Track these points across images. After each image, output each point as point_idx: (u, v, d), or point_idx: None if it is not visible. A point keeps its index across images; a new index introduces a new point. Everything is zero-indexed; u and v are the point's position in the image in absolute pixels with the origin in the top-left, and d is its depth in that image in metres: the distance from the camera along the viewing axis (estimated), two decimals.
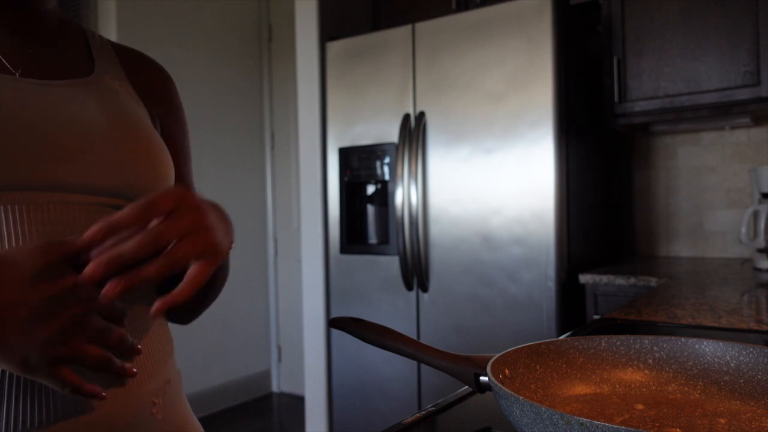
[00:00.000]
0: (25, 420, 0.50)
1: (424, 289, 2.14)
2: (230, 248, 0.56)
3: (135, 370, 0.52)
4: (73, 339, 0.46)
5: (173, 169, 0.67)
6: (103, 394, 0.50)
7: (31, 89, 0.56)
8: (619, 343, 0.58)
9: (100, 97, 0.62)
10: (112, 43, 0.72)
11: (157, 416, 0.60)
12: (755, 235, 1.91)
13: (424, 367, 2.16)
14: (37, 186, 0.52)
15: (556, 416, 0.39)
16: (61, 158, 0.54)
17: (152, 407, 0.58)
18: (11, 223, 0.51)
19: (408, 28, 2.18)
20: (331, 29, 2.56)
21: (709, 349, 0.56)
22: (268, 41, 3.73)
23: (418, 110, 2.15)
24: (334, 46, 2.36)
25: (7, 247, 0.51)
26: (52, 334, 0.45)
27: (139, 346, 0.53)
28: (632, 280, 1.79)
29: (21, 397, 0.50)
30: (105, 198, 0.57)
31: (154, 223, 0.48)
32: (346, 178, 2.35)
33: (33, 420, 0.51)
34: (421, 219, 2.13)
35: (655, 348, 0.58)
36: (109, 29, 2.93)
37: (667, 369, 0.56)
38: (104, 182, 0.57)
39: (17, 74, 0.57)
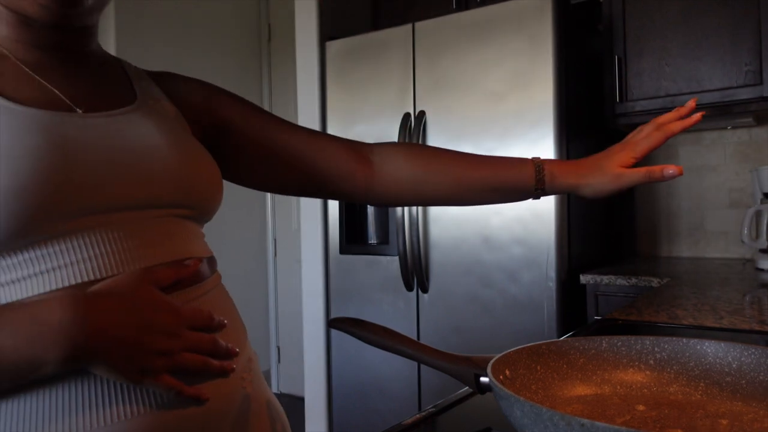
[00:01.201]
0: (132, 405, 0.55)
1: (424, 290, 2.13)
2: None
3: (234, 366, 0.61)
4: (173, 351, 0.55)
5: (218, 173, 0.72)
6: (207, 396, 0.58)
7: (97, 123, 0.61)
8: (620, 343, 0.58)
9: (150, 119, 0.67)
10: (147, 71, 0.78)
11: (248, 390, 0.66)
12: (757, 235, 1.91)
13: (424, 367, 2.15)
14: (113, 208, 0.58)
15: (557, 417, 0.38)
16: (131, 180, 0.60)
17: (243, 382, 0.65)
18: (95, 245, 0.57)
19: (408, 27, 2.17)
20: (330, 29, 2.56)
21: (711, 349, 0.56)
22: (268, 41, 3.73)
23: (418, 110, 2.15)
24: (333, 46, 2.36)
25: (94, 264, 0.56)
26: (155, 350, 0.54)
27: (237, 349, 0.63)
28: (633, 281, 1.78)
29: (122, 387, 0.55)
30: (169, 210, 0.64)
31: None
32: None
33: (141, 406, 0.55)
34: (421, 219, 2.13)
35: (656, 349, 0.57)
36: (108, 29, 2.93)
37: (669, 370, 0.56)
38: (168, 196, 0.63)
39: (81, 111, 0.61)
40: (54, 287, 0.54)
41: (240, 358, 0.66)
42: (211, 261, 0.70)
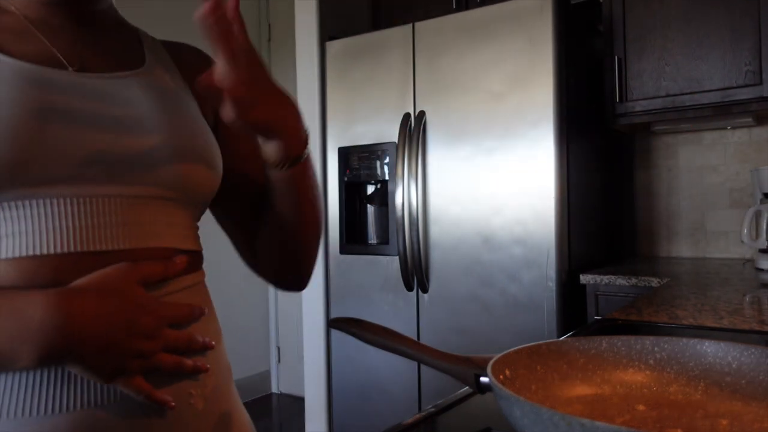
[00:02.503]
0: (62, 403, 0.53)
1: (424, 290, 2.13)
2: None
3: (208, 366, 0.61)
4: (150, 352, 0.54)
5: (219, 154, 0.69)
6: (173, 404, 0.57)
7: (84, 83, 0.58)
8: (620, 343, 0.58)
9: (151, 87, 0.64)
10: (162, 41, 0.75)
11: (196, 407, 0.61)
12: (757, 235, 1.91)
13: (424, 367, 2.15)
14: (84, 179, 0.55)
15: (557, 417, 0.38)
16: (105, 150, 0.56)
17: (189, 398, 0.60)
18: (58, 216, 0.54)
19: (408, 27, 2.17)
20: (330, 28, 2.55)
21: (711, 349, 0.55)
22: (268, 40, 3.73)
23: (418, 110, 2.15)
24: (333, 46, 2.36)
25: (55, 238, 0.54)
26: (133, 352, 0.53)
27: (213, 342, 0.62)
28: (633, 281, 1.78)
29: (60, 380, 0.53)
30: (148, 188, 0.60)
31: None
32: (345, 178, 2.34)
33: (74, 403, 0.53)
34: (421, 219, 2.13)
35: (656, 349, 0.57)
36: None
37: (669, 370, 0.56)
38: (147, 174, 0.59)
39: (72, 69, 0.59)
40: (8, 255, 0.52)
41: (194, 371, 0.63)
42: (195, 256, 0.66)
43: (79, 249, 0.54)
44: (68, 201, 0.54)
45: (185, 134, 0.63)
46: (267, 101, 0.61)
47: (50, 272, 0.53)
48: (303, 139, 0.66)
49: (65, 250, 0.54)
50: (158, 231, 0.60)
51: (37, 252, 0.53)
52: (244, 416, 0.72)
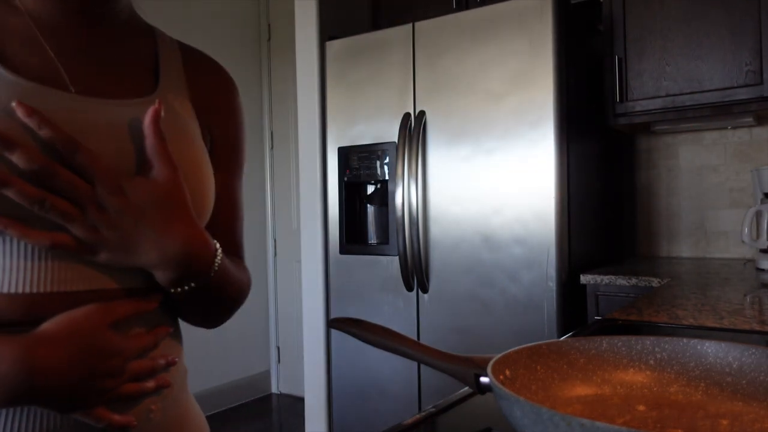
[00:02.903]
0: (22, 429, 0.53)
1: (424, 290, 2.13)
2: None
3: (170, 381, 0.61)
4: (111, 389, 0.54)
5: (213, 186, 0.66)
6: (135, 422, 0.57)
7: (83, 109, 0.56)
8: (620, 343, 0.58)
9: (161, 117, 0.61)
10: (181, 46, 0.71)
11: (155, 419, 0.61)
12: (757, 235, 1.91)
13: (424, 367, 2.15)
14: None
15: (557, 417, 0.38)
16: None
17: (149, 413, 0.60)
18: (40, 255, 0.53)
19: (408, 27, 2.17)
20: (330, 28, 2.55)
21: (711, 350, 0.55)
22: (268, 40, 3.73)
23: (418, 110, 2.15)
24: (333, 46, 2.36)
25: (31, 278, 0.53)
26: (95, 391, 0.53)
27: (176, 358, 0.62)
28: (633, 281, 1.78)
29: (13, 410, 0.53)
30: None
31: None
32: (345, 178, 2.34)
33: (33, 429, 0.53)
34: (421, 219, 2.13)
35: (656, 349, 0.57)
36: None
37: (669, 370, 0.56)
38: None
39: (73, 90, 0.56)
40: None
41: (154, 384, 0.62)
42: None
43: (50, 289, 0.53)
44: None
45: (186, 174, 0.60)
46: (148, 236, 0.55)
47: (22, 309, 0.53)
48: (204, 264, 0.59)
49: (38, 290, 0.53)
50: (134, 269, 0.58)
51: (11, 290, 0.52)
52: (198, 417, 0.71)
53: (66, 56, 0.58)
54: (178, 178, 0.56)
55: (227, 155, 0.73)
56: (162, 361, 0.60)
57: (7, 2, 0.57)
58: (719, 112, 1.97)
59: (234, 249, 0.75)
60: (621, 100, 2.11)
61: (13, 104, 0.49)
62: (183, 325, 0.69)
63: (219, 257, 0.61)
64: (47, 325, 0.52)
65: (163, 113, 0.59)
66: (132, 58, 0.64)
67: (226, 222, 0.74)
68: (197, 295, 0.61)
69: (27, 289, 0.53)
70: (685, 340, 0.57)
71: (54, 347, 0.51)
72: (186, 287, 0.59)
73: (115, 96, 0.59)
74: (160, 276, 0.57)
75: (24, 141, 0.50)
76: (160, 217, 0.54)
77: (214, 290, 0.63)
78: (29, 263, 0.53)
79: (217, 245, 0.62)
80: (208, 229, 0.67)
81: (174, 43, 0.71)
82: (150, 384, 0.58)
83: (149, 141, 0.55)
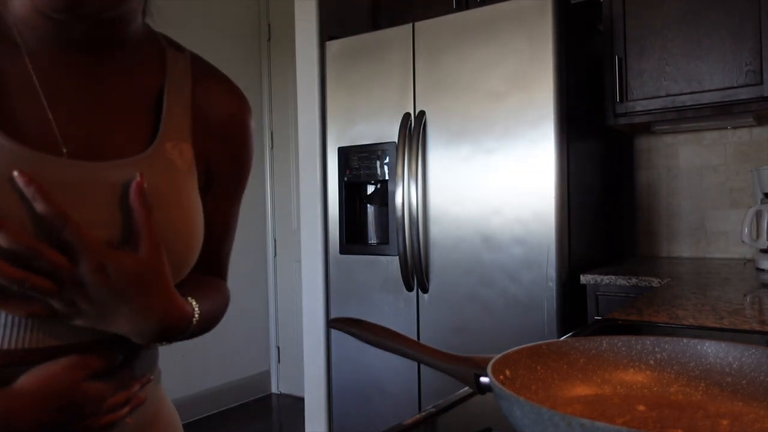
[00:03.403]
0: None
1: (424, 290, 2.13)
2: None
3: (146, 397, 0.62)
4: (90, 424, 0.55)
5: (201, 241, 0.65)
6: None
7: (76, 173, 0.54)
8: (620, 343, 0.58)
9: (151, 177, 0.58)
10: (194, 63, 0.69)
11: (127, 427, 0.62)
12: (757, 235, 1.91)
13: (424, 367, 2.15)
14: None
15: (557, 417, 0.38)
16: None
17: (124, 427, 0.61)
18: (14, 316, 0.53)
19: (408, 27, 2.17)
20: (330, 28, 2.55)
21: (711, 350, 0.55)
22: (268, 40, 3.73)
23: (418, 109, 2.14)
24: (333, 46, 2.36)
25: (6, 336, 0.53)
26: (76, 428, 0.54)
27: (151, 378, 0.63)
28: (633, 281, 1.78)
29: None
30: None
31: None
32: (345, 178, 2.34)
33: None
34: (421, 219, 2.13)
35: (656, 349, 0.57)
36: None
37: (669, 370, 0.56)
38: None
39: (65, 153, 0.54)
40: None
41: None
42: None
43: (27, 346, 0.53)
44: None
45: (171, 230, 0.59)
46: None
47: (12, 361, 0.53)
48: (179, 331, 0.60)
49: (14, 347, 0.53)
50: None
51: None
52: (170, 413, 0.71)
53: (61, 107, 0.56)
54: (160, 254, 0.56)
55: (230, 182, 0.73)
56: (137, 387, 0.60)
57: (7, 37, 0.55)
58: (719, 112, 1.97)
59: (217, 270, 0.77)
60: (621, 100, 2.11)
61: (15, 174, 0.49)
62: None
63: (196, 319, 0.62)
64: (24, 380, 0.52)
65: (155, 171, 0.58)
66: (134, 97, 0.61)
67: (216, 246, 0.75)
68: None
69: (9, 346, 0.53)
70: (685, 340, 0.57)
71: (30, 402, 0.52)
72: (155, 344, 0.62)
73: (108, 153, 0.57)
74: (136, 341, 0.58)
75: (12, 214, 0.49)
76: (137, 293, 0.54)
77: (188, 337, 0.64)
78: (4, 319, 0.52)
79: (196, 309, 0.62)
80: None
81: (186, 63, 0.67)
82: (125, 410, 0.58)
83: (135, 215, 0.54)
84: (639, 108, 2.08)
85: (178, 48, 0.70)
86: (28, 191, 0.49)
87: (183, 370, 3.17)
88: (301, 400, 3.45)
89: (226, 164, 0.70)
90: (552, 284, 1.87)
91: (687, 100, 2.00)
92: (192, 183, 0.64)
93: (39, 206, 0.49)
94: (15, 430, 0.51)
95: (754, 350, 0.53)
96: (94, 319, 0.53)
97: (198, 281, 0.68)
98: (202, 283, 0.70)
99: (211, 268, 0.75)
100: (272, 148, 3.74)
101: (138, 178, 0.55)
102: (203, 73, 0.70)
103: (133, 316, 0.55)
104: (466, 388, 0.65)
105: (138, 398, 0.60)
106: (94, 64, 0.59)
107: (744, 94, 1.90)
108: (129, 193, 0.54)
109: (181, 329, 0.60)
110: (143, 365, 0.63)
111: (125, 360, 0.60)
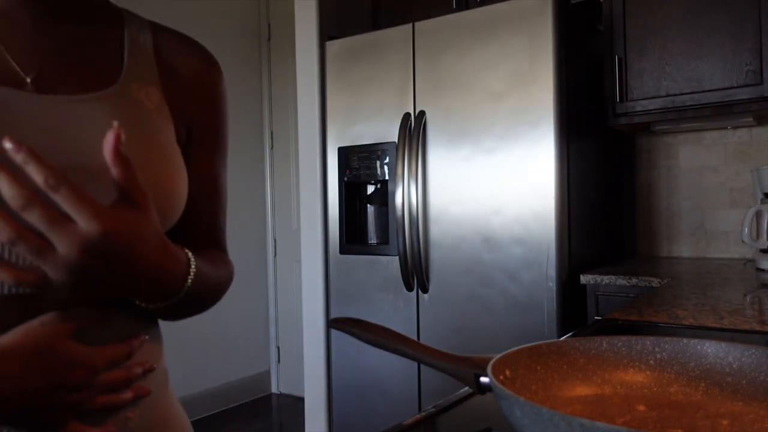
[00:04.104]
0: None
1: (424, 290, 2.13)
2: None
3: (149, 390, 0.59)
4: (83, 402, 0.52)
5: (185, 183, 0.63)
6: (113, 429, 0.55)
7: (41, 108, 0.53)
8: (620, 343, 0.58)
9: (119, 112, 0.58)
10: (154, 29, 0.67)
11: (133, 426, 0.59)
12: (757, 235, 1.91)
13: (424, 367, 2.15)
14: None
15: (557, 417, 0.38)
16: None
17: (128, 422, 0.58)
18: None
19: (408, 27, 2.17)
20: (330, 28, 2.55)
21: (712, 350, 0.55)
22: (268, 40, 3.73)
23: (418, 109, 2.14)
24: (333, 46, 2.36)
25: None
26: (64, 407, 0.51)
27: (155, 366, 0.60)
28: (634, 281, 1.78)
29: None
30: None
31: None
32: (345, 178, 2.34)
33: None
34: (421, 219, 2.13)
35: (656, 349, 0.57)
36: None
37: (669, 370, 0.56)
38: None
39: (29, 84, 0.54)
40: None
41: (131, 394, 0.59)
42: None
43: (4, 292, 0.51)
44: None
45: (150, 171, 0.57)
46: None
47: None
48: (173, 288, 0.57)
49: (8, 292, 0.51)
50: None
51: None
52: (180, 418, 0.68)
53: (18, 46, 0.55)
54: (149, 210, 0.51)
55: (209, 143, 0.71)
56: (139, 370, 0.57)
57: None
58: (719, 112, 1.97)
59: (215, 241, 0.73)
60: (621, 100, 2.11)
61: (8, 146, 0.43)
62: (182, 326, 0.69)
63: (192, 275, 0.58)
64: (5, 338, 0.50)
65: (122, 108, 0.57)
66: (94, 46, 0.61)
67: (208, 213, 0.72)
68: (170, 307, 0.59)
69: None
70: (685, 340, 0.57)
71: (6, 360, 0.49)
72: (157, 304, 0.57)
73: (75, 89, 0.56)
74: (128, 297, 0.56)
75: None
76: (137, 252, 0.50)
77: (190, 300, 0.60)
78: None
79: (192, 262, 0.59)
80: (188, 219, 0.65)
81: (146, 27, 0.67)
82: (127, 395, 0.55)
83: (116, 171, 0.48)
84: (639, 108, 2.08)
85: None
86: (19, 157, 0.43)
87: (183, 370, 3.17)
88: (301, 400, 3.45)
89: (204, 123, 0.70)
90: (552, 284, 1.87)
91: (687, 100, 2.00)
92: (165, 126, 0.63)
93: (32, 167, 0.43)
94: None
95: (754, 350, 0.53)
96: (85, 289, 0.49)
97: (197, 251, 0.64)
98: (201, 252, 0.66)
99: (209, 240, 0.72)
100: (272, 148, 3.74)
101: (115, 129, 0.47)
102: (166, 37, 0.69)
103: (127, 276, 0.50)
104: (466, 388, 0.65)
105: (142, 388, 0.57)
106: (49, 14, 0.58)
107: (744, 94, 1.90)
108: (104, 149, 0.47)
109: (175, 284, 0.56)
110: (145, 351, 0.60)
111: (118, 329, 0.57)
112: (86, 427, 0.52)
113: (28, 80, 0.54)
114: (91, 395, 0.52)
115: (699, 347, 0.56)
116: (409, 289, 2.16)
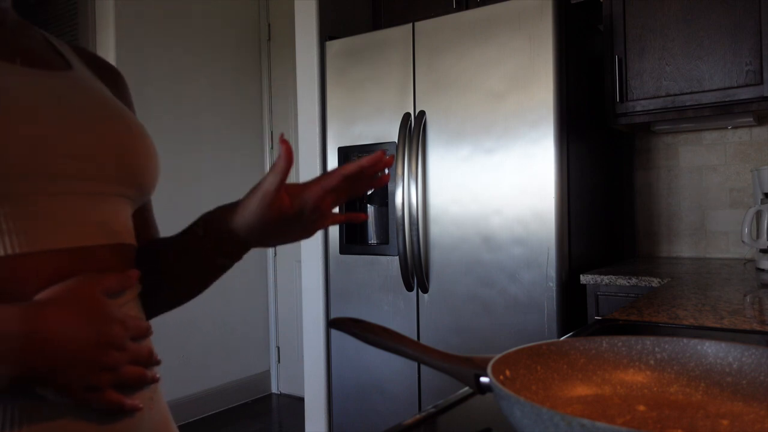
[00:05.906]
0: (32, 415, 0.51)
1: (424, 290, 2.13)
2: None
3: (159, 376, 0.60)
4: (117, 365, 0.53)
5: (156, 150, 0.69)
6: (141, 406, 0.56)
7: (34, 78, 0.56)
8: (620, 343, 0.58)
9: (90, 87, 0.63)
10: (72, 46, 0.73)
11: (152, 410, 0.62)
12: (758, 235, 1.91)
13: (424, 367, 2.15)
14: (43, 174, 0.53)
15: (557, 417, 0.38)
16: (67, 146, 0.55)
17: (150, 402, 0.61)
18: (21, 217, 0.52)
19: (408, 27, 2.17)
20: (330, 28, 2.55)
21: (712, 350, 0.55)
22: (268, 40, 3.73)
23: (418, 109, 2.14)
24: (333, 45, 2.36)
25: (11, 240, 0.51)
26: (105, 365, 0.52)
27: (159, 358, 0.62)
28: (634, 281, 1.78)
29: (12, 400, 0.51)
30: (109, 186, 0.60)
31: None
32: None
33: (44, 414, 0.52)
34: (421, 219, 2.13)
35: (656, 349, 0.57)
36: (107, 28, 2.93)
37: (669, 370, 0.56)
38: (107, 168, 0.59)
39: (18, 63, 0.57)
40: None
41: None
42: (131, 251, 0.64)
43: (34, 249, 0.52)
44: (23, 200, 0.52)
45: (129, 129, 0.63)
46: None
47: (8, 273, 0.51)
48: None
49: (20, 250, 0.52)
50: (115, 228, 0.60)
51: None
52: (173, 424, 0.72)
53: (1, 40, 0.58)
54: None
55: None
56: (155, 353, 0.60)
57: None
58: (719, 112, 1.97)
59: (156, 230, 0.79)
60: (621, 100, 2.11)
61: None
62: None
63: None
64: (45, 293, 0.52)
65: (90, 84, 0.62)
66: (35, 44, 0.63)
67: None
68: (216, 265, 0.70)
69: (13, 250, 0.51)
70: (685, 340, 0.57)
71: (55, 310, 0.50)
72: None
73: (45, 69, 0.60)
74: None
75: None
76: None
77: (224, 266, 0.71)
78: (10, 224, 0.51)
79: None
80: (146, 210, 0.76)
81: (67, 45, 0.71)
82: (150, 373, 0.58)
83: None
84: (639, 108, 2.08)
85: None
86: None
87: (183, 371, 3.17)
88: (301, 400, 3.45)
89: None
90: (552, 284, 1.87)
91: (687, 100, 2.00)
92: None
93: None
94: (51, 333, 0.49)
95: (754, 350, 0.53)
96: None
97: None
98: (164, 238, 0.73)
99: (153, 230, 0.78)
100: (272, 148, 3.74)
101: (283, 140, 0.62)
102: (86, 54, 0.73)
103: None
104: (466, 388, 0.65)
105: (155, 373, 0.60)
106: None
107: (744, 94, 1.90)
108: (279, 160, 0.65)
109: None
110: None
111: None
112: (122, 396, 0.54)
113: (18, 62, 0.57)
114: (124, 359, 0.54)
115: (699, 347, 0.56)
116: (409, 289, 2.16)
